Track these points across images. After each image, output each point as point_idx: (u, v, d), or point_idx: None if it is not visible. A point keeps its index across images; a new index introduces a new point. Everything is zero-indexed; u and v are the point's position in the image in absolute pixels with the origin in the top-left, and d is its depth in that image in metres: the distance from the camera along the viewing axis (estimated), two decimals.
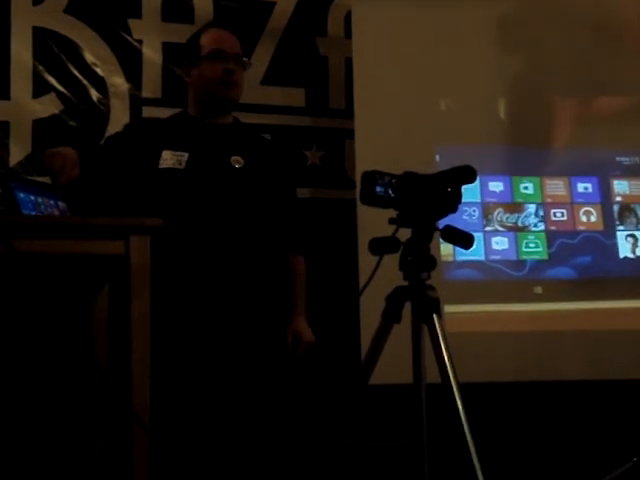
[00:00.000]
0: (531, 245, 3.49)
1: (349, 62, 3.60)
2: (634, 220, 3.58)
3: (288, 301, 2.83)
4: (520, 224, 3.50)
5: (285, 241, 2.84)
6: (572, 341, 3.44)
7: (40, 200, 2.24)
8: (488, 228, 3.47)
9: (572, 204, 3.56)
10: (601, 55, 3.65)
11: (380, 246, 1.99)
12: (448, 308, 3.19)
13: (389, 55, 3.50)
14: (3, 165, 3.22)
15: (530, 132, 3.60)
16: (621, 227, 3.57)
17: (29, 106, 3.30)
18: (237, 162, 2.76)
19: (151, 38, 3.49)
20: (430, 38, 3.55)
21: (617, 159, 3.63)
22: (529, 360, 3.36)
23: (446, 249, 3.37)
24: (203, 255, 2.66)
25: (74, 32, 3.38)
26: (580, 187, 3.58)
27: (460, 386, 1.91)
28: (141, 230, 2.15)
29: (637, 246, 3.56)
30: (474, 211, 3.46)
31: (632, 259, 3.56)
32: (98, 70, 3.41)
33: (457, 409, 1.88)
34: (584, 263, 3.50)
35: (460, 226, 2.01)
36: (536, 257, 3.48)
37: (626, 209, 3.59)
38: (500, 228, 3.49)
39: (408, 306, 2.00)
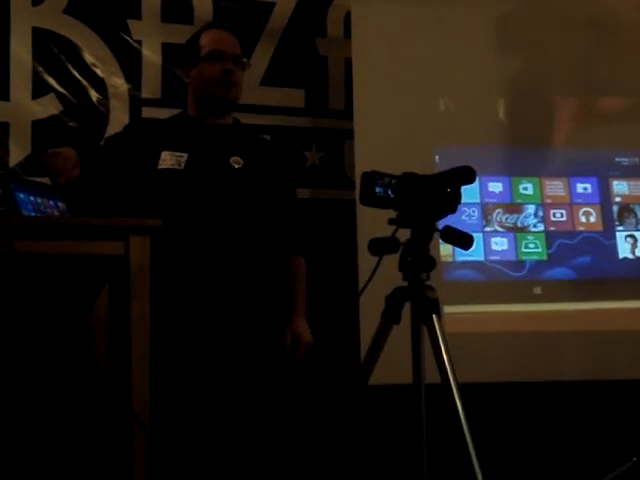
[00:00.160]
0: (530, 246, 3.49)
1: (348, 63, 3.60)
2: (633, 221, 3.58)
3: (288, 301, 2.83)
4: (519, 225, 3.51)
5: (285, 241, 2.84)
6: (571, 341, 3.44)
7: (40, 201, 2.24)
8: (487, 229, 3.47)
9: (571, 204, 3.56)
10: (600, 55, 3.65)
11: (380, 246, 1.99)
12: (447, 308, 3.19)
13: (388, 56, 3.50)
14: (3, 166, 3.22)
15: (530, 132, 3.60)
16: (620, 228, 3.57)
17: (29, 107, 3.30)
18: (236, 163, 2.76)
19: (151, 39, 3.49)
20: (429, 38, 3.55)
21: (616, 159, 3.63)
22: (528, 360, 3.36)
23: (445, 250, 3.37)
24: (202, 256, 2.66)
25: (74, 33, 3.38)
26: (579, 187, 3.58)
27: (459, 386, 1.91)
28: (141, 231, 2.15)
29: (636, 247, 3.56)
30: (473, 212, 3.46)
31: (631, 260, 3.56)
32: (98, 71, 3.41)
33: (456, 409, 1.88)
34: (583, 264, 3.50)
35: (459, 227, 2.01)
36: (535, 257, 3.48)
37: (625, 209, 3.60)
38: (499, 229, 3.49)
39: (408, 306, 2.00)
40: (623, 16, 3.73)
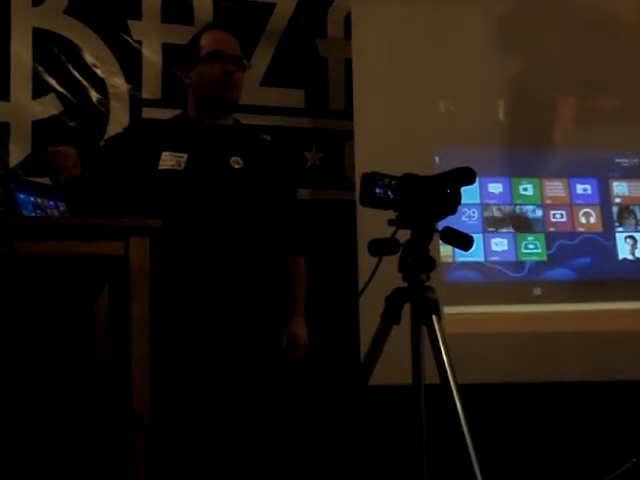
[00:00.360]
0: (530, 246, 3.49)
1: (349, 63, 3.60)
2: (633, 222, 3.58)
3: (287, 302, 2.83)
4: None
5: (285, 242, 2.84)
6: (571, 342, 3.44)
7: (40, 201, 2.24)
8: (487, 229, 3.47)
9: (571, 205, 3.56)
10: (600, 56, 3.66)
11: (379, 247, 1.99)
12: (447, 309, 3.19)
13: (389, 56, 3.51)
14: (3, 166, 3.22)
15: (530, 133, 3.60)
16: (620, 228, 3.57)
17: (29, 107, 3.30)
18: (236, 163, 2.76)
19: (151, 39, 3.49)
20: (429, 39, 3.55)
21: (616, 160, 3.63)
22: (528, 361, 3.36)
23: (445, 250, 3.37)
24: (202, 256, 2.66)
25: (74, 33, 3.38)
26: (579, 188, 3.58)
27: (459, 387, 1.91)
28: (141, 231, 2.15)
29: (636, 248, 3.56)
30: (473, 212, 3.46)
31: (631, 260, 3.56)
32: (98, 71, 3.41)
33: (456, 410, 1.88)
34: (583, 264, 3.50)
35: (459, 228, 2.01)
36: (535, 258, 3.49)
37: (625, 210, 3.60)
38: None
39: (407, 307, 2.00)
40: (623, 17, 3.73)
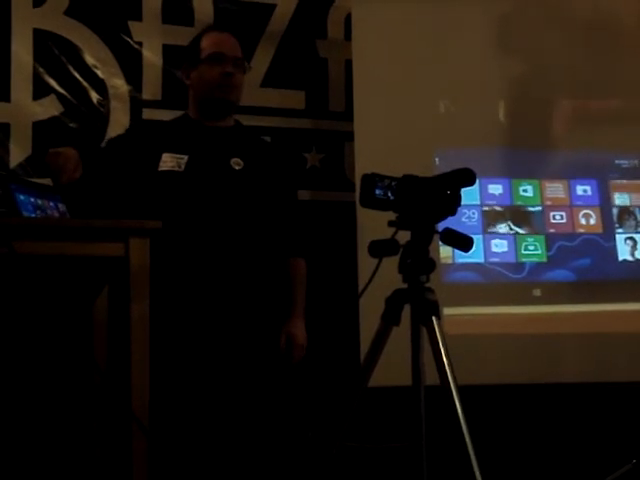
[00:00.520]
0: (530, 248, 3.49)
1: (349, 64, 3.60)
2: (633, 223, 3.58)
3: (287, 303, 2.83)
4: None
5: (285, 243, 2.84)
6: (571, 344, 3.44)
7: (40, 202, 2.24)
8: (487, 230, 3.48)
9: (571, 207, 3.56)
10: (600, 57, 3.66)
11: (379, 249, 1.99)
12: (447, 310, 3.19)
13: (389, 57, 3.51)
14: (3, 167, 3.22)
15: (529, 135, 3.60)
16: (620, 230, 3.57)
17: (29, 108, 3.30)
18: (237, 164, 2.76)
19: (151, 40, 3.49)
20: (430, 40, 3.55)
21: (616, 162, 3.63)
22: (528, 363, 3.36)
23: (445, 251, 3.37)
24: (202, 257, 2.66)
25: (74, 34, 3.38)
26: (579, 190, 3.58)
27: (459, 388, 1.91)
28: (141, 232, 2.15)
29: (636, 249, 3.56)
30: (473, 214, 3.46)
31: (631, 262, 3.56)
32: (98, 72, 3.41)
33: (456, 411, 1.88)
34: (583, 266, 3.50)
35: (459, 229, 2.01)
36: (535, 260, 3.49)
37: (625, 212, 3.60)
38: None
39: (407, 308, 2.00)
40: (623, 19, 3.73)
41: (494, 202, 3.51)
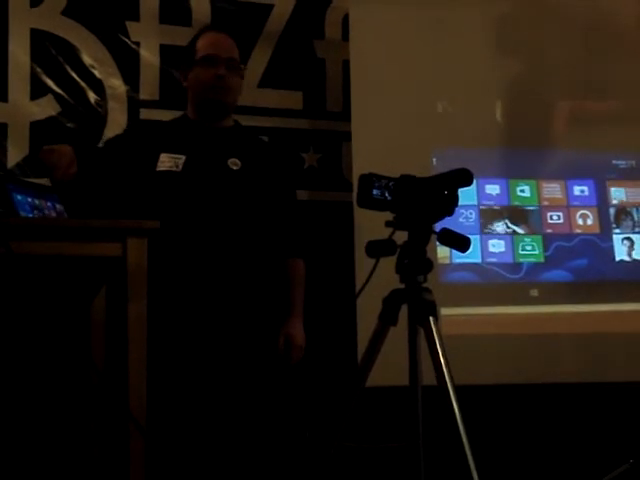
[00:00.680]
0: (527, 248, 3.49)
1: (346, 65, 3.61)
2: (630, 223, 3.59)
3: (285, 304, 2.83)
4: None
5: (284, 244, 2.83)
6: (568, 344, 3.45)
7: (37, 202, 2.24)
8: (485, 231, 3.48)
9: (568, 207, 3.57)
10: (598, 58, 3.66)
11: (377, 249, 2.00)
12: (444, 310, 3.19)
13: (386, 58, 3.51)
14: (1, 167, 3.21)
15: (527, 135, 3.61)
16: (617, 230, 3.58)
17: (27, 108, 3.30)
18: (234, 164, 2.76)
19: (149, 40, 3.49)
20: (427, 41, 3.56)
21: (613, 162, 3.64)
22: (525, 363, 3.37)
23: (443, 252, 3.37)
24: (199, 257, 2.66)
25: (72, 34, 3.38)
26: (576, 190, 3.59)
27: (456, 388, 1.91)
28: (138, 232, 2.15)
29: (633, 249, 3.57)
30: (471, 214, 3.46)
31: (628, 262, 3.56)
32: (96, 72, 3.41)
33: (453, 411, 1.88)
34: (580, 266, 3.51)
35: (457, 229, 2.01)
36: (532, 260, 3.49)
37: (622, 212, 3.60)
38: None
39: (405, 309, 2.01)
40: (621, 19, 3.74)
41: (491, 202, 3.51)
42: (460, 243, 2.02)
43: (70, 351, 2.98)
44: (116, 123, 3.38)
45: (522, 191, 3.55)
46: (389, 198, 1.99)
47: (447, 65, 3.52)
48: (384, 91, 3.48)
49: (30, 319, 2.84)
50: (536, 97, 3.62)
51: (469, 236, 2.02)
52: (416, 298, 1.99)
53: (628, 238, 3.57)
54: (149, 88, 3.48)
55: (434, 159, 3.47)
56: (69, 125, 3.35)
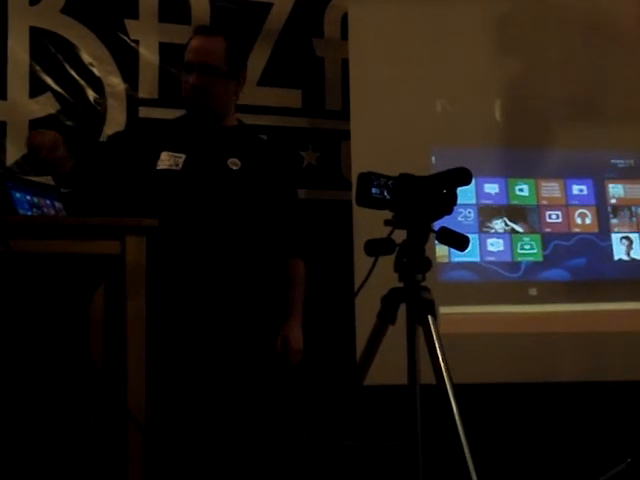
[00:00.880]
0: (526, 247, 3.49)
1: (345, 63, 3.61)
2: (628, 222, 3.59)
3: (284, 305, 2.82)
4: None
5: (284, 244, 2.82)
6: (566, 343, 3.45)
7: (36, 200, 2.24)
8: (483, 230, 3.48)
9: (567, 206, 3.57)
10: (597, 57, 3.66)
11: (375, 247, 2.00)
12: (443, 309, 3.19)
13: (385, 56, 3.51)
14: (0, 165, 3.22)
15: (526, 134, 3.61)
16: (616, 229, 3.58)
17: (26, 106, 3.30)
18: (234, 164, 2.75)
19: (148, 38, 3.49)
20: (426, 40, 3.56)
21: (612, 161, 3.64)
22: (524, 361, 3.37)
23: (441, 250, 3.37)
24: (196, 257, 2.66)
25: (71, 32, 3.38)
26: (575, 189, 3.59)
27: (455, 387, 1.91)
28: (137, 230, 2.15)
29: (632, 248, 3.57)
30: (469, 213, 3.46)
31: (627, 261, 3.57)
32: (95, 70, 3.41)
33: (451, 410, 1.89)
34: (579, 265, 3.51)
35: (455, 228, 2.02)
36: (531, 259, 3.49)
37: (621, 211, 3.61)
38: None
39: (403, 307, 2.01)
40: (620, 19, 3.74)
41: (490, 201, 3.51)
42: (459, 242, 2.02)
43: (68, 349, 2.98)
44: (115, 121, 3.38)
45: (521, 190, 3.55)
46: (388, 197, 1.99)
47: (446, 64, 3.53)
48: (383, 90, 3.48)
49: (28, 317, 2.84)
50: (535, 96, 3.62)
51: (468, 235, 2.02)
52: (415, 297, 1.99)
53: (627, 237, 3.57)
54: (148, 86, 3.48)
55: (433, 158, 3.47)
56: (68, 123, 3.35)
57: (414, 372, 1.98)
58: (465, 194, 3.29)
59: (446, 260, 3.42)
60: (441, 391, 1.91)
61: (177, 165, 2.71)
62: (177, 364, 2.61)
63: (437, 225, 2.03)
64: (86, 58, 3.40)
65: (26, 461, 2.95)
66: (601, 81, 3.65)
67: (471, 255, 3.41)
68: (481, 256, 3.45)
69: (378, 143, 3.39)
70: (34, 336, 2.97)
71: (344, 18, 3.67)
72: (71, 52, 3.38)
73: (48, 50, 3.34)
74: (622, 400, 3.47)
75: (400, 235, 2.01)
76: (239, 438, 2.64)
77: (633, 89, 3.69)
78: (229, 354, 2.64)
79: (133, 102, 3.45)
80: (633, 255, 3.57)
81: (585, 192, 3.60)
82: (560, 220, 3.54)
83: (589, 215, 3.57)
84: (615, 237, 3.57)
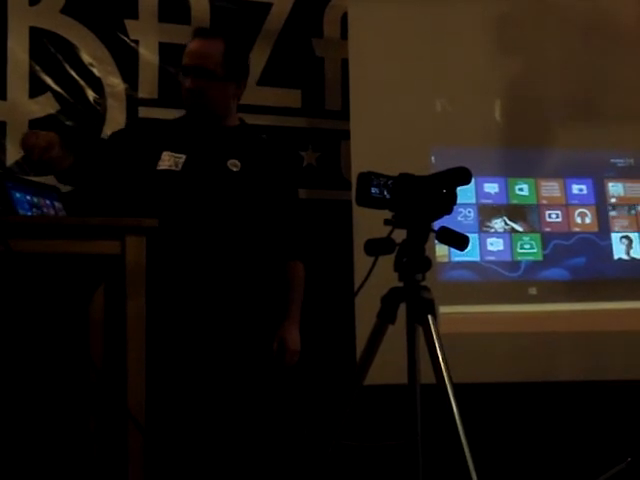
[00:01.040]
0: (526, 246, 3.49)
1: (345, 63, 3.61)
2: (628, 222, 3.59)
3: (283, 307, 2.81)
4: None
5: (284, 246, 2.82)
6: (566, 342, 3.45)
7: (36, 200, 2.25)
8: (483, 229, 3.48)
9: (567, 205, 3.57)
10: (596, 57, 3.66)
11: (375, 247, 2.00)
12: (443, 309, 3.19)
13: (385, 56, 3.51)
14: (0, 165, 3.22)
15: (525, 133, 3.61)
16: (614, 212, 3.58)
17: (25, 106, 3.30)
18: (234, 166, 2.75)
19: (148, 38, 3.49)
20: (426, 39, 3.56)
21: (612, 161, 3.64)
22: (523, 361, 3.37)
23: (441, 250, 3.37)
24: (195, 257, 2.66)
25: (71, 32, 3.38)
26: (575, 188, 3.59)
27: (454, 387, 1.91)
28: (137, 230, 2.15)
29: (631, 247, 3.57)
30: (469, 212, 3.47)
31: (626, 260, 3.57)
32: (94, 70, 3.41)
33: (451, 410, 1.89)
34: (579, 264, 3.51)
35: (455, 227, 2.02)
36: (531, 258, 3.49)
37: (621, 210, 3.61)
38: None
39: (403, 307, 2.01)
40: (619, 18, 3.74)
41: (490, 201, 3.51)
42: (459, 241, 2.02)
43: (68, 349, 2.98)
44: (115, 121, 3.38)
45: (521, 189, 3.55)
46: (388, 196, 1.99)
47: (446, 64, 3.53)
48: (383, 90, 3.48)
49: (28, 317, 2.84)
50: (535, 95, 3.62)
51: (467, 234, 2.02)
52: (415, 296, 1.99)
53: (626, 237, 3.58)
54: (148, 86, 3.48)
55: (433, 157, 3.47)
56: (68, 123, 3.35)
57: (414, 372, 1.98)
58: (465, 194, 3.29)
59: (446, 260, 3.42)
60: (441, 391, 1.91)
61: (177, 166, 2.70)
62: (177, 364, 2.62)
63: (437, 225, 2.03)
64: (86, 58, 3.40)
65: (26, 461, 2.95)
66: (601, 81, 3.65)
67: (471, 255, 3.41)
68: (481, 255, 3.46)
69: (378, 143, 3.39)
70: (34, 336, 2.97)
71: (344, 18, 3.66)
72: (71, 52, 3.38)
73: (48, 50, 3.34)
74: (622, 399, 3.47)
75: (400, 235, 2.01)
76: (239, 438, 2.64)
77: (633, 89, 3.69)
78: (228, 354, 2.64)
79: (133, 102, 3.45)
80: (633, 254, 3.57)
81: (585, 191, 3.60)
82: (560, 219, 3.54)
83: (589, 214, 3.57)
84: (615, 236, 3.57)
